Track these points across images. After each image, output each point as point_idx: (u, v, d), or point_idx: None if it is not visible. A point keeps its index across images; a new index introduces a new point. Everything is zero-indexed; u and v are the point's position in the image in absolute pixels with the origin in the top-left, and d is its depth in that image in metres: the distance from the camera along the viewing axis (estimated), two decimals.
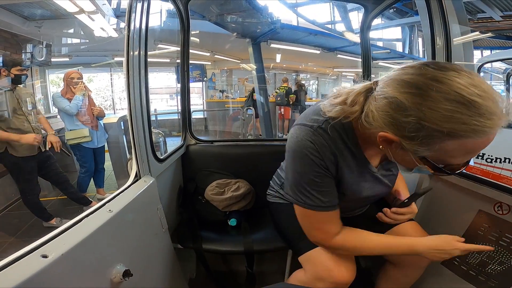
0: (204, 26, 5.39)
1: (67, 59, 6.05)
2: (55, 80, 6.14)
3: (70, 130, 2.74)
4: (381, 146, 0.67)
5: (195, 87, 9.18)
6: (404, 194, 0.98)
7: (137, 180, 1.03)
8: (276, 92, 7.02)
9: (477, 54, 6.18)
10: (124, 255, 0.84)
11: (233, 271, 1.63)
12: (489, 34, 4.99)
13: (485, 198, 1.03)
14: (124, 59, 0.92)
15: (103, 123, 3.00)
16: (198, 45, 6.80)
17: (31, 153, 2.31)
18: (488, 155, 2.73)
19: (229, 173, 1.64)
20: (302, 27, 6.37)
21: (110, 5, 4.69)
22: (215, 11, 4.68)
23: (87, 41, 5.86)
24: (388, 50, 7.56)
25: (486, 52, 6.60)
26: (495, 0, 3.84)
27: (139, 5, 0.97)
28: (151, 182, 1.05)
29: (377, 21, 6.99)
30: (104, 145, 3.04)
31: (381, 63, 8.32)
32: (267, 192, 1.25)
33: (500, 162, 2.66)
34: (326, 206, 0.81)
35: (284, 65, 9.63)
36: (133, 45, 0.94)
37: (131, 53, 0.93)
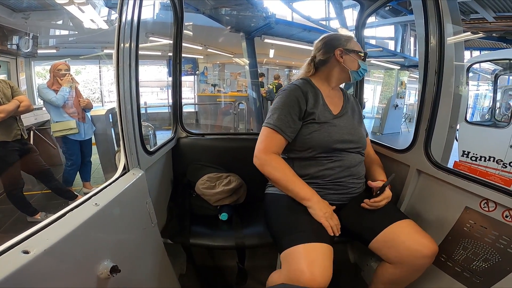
0: (197, 19, 5.30)
1: (54, 50, 5.90)
2: (40, 72, 5.96)
3: (56, 122, 2.66)
4: (341, 62, 1.17)
5: (187, 80, 9.07)
6: (377, 183, 1.15)
7: (125, 173, 1.00)
8: (268, 87, 7.02)
9: (466, 54, 6.29)
10: (112, 251, 0.81)
11: (224, 266, 1.62)
12: (480, 35, 5.07)
13: (472, 195, 1.05)
14: (114, 51, 0.90)
15: (91, 116, 2.94)
16: (191, 38, 6.69)
17: (7, 138, 2.18)
18: (473, 154, 2.81)
19: (221, 167, 1.62)
20: (297, 22, 6.32)
21: None
22: (209, 4, 4.61)
23: (76, 32, 5.70)
24: (381, 49, 7.63)
25: (475, 53, 6.73)
26: (489, 1, 3.87)
27: None
28: (140, 175, 1.02)
29: (371, 19, 7.02)
30: (91, 138, 2.97)
31: (373, 61, 8.39)
32: (267, 184, 1.26)
33: (485, 160, 2.75)
34: (275, 125, 1.09)
35: (277, 61, 9.60)
36: (123, 37, 0.91)
37: (122, 45, 0.90)
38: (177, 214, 1.42)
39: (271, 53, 7.80)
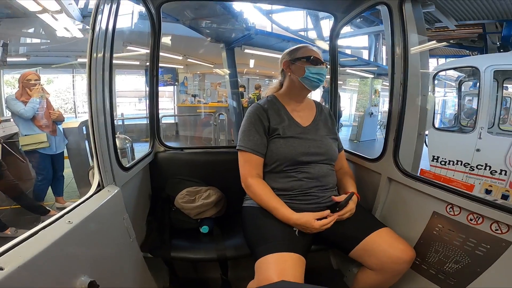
0: (177, 29, 5.29)
1: (25, 59, 5.66)
2: (10, 81, 5.67)
3: (25, 135, 2.55)
4: (289, 74, 1.23)
5: (166, 91, 8.95)
6: (339, 198, 1.16)
7: (100, 190, 0.97)
8: (250, 97, 7.08)
9: (433, 62, 6.68)
10: (89, 266, 0.81)
11: (208, 278, 1.59)
12: (444, 43, 5.39)
13: (438, 200, 1.10)
14: (87, 61, 0.88)
15: (63, 128, 2.84)
16: (170, 48, 6.64)
17: None
18: (443, 158, 2.97)
19: (200, 181, 1.61)
20: (276, 33, 6.48)
21: (77, 5, 4.46)
22: (189, 16, 4.61)
23: (48, 41, 5.50)
24: (355, 58, 7.95)
25: (442, 61, 7.12)
26: (450, 10, 4.09)
27: (107, 6, 0.94)
28: (115, 191, 1.00)
29: (347, 29, 7.31)
30: (63, 151, 2.88)
31: (348, 70, 8.71)
32: (244, 196, 1.28)
33: (453, 164, 2.91)
34: (247, 148, 1.16)
35: (258, 71, 9.74)
36: (97, 47, 0.90)
37: (95, 55, 0.89)
38: (156, 228, 1.40)
39: (251, 63, 7.90)
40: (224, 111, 5.82)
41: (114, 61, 1.01)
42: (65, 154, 2.96)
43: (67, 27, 4.22)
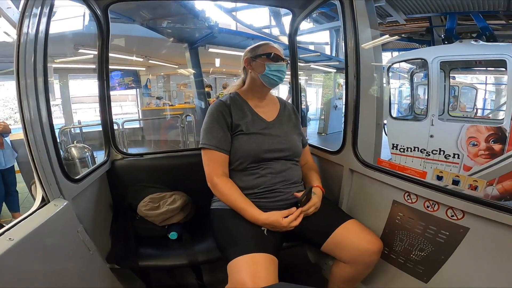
0: (135, 30, 5.04)
1: None
2: None
3: None
4: (250, 71, 1.23)
5: (130, 94, 8.53)
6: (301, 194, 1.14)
7: (45, 205, 0.90)
8: (218, 97, 6.97)
9: (388, 55, 7.05)
10: (43, 283, 0.79)
11: (184, 285, 1.55)
12: (396, 37, 5.72)
13: (396, 189, 1.13)
14: (14, 68, 0.81)
15: (10, 141, 2.61)
16: (129, 50, 6.30)
17: None
18: (401, 146, 3.17)
19: (164, 186, 1.55)
20: (240, 31, 6.42)
21: (18, 9, 4.06)
22: (147, 16, 4.39)
23: None
24: (319, 53, 8.16)
25: (396, 54, 7.53)
26: (399, 4, 4.31)
27: (37, 10, 0.87)
28: (63, 205, 0.93)
29: (309, 25, 7.43)
30: (13, 165, 2.67)
31: (312, 65, 8.93)
32: (212, 198, 1.25)
33: (411, 151, 3.11)
34: (211, 145, 1.13)
35: (224, 70, 9.62)
36: (24, 52, 0.82)
37: (22, 61, 0.82)
38: (121, 238, 1.34)
39: (217, 62, 7.79)
40: (192, 112, 5.69)
41: (66, 65, 0.94)
42: (17, 168, 2.75)
43: (8, 32, 3.85)
